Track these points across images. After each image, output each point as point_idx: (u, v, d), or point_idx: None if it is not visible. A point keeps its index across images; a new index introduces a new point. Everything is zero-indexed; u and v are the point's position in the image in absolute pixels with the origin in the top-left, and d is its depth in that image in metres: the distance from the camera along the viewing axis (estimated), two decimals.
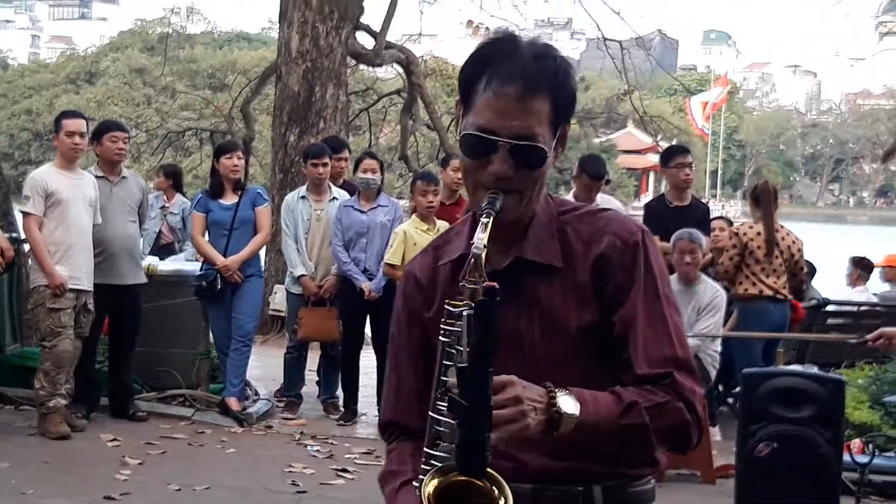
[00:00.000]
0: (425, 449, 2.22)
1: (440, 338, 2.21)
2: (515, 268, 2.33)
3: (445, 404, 2.18)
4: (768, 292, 9.24)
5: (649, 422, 2.34)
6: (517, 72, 2.26)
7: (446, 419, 2.18)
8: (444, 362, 2.20)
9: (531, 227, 2.34)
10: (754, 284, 9.21)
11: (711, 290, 8.32)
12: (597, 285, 2.34)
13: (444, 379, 2.19)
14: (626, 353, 2.36)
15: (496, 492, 2.17)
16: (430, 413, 2.22)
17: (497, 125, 2.25)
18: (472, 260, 2.16)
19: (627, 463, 2.43)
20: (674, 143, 25.58)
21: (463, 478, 2.15)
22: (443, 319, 2.20)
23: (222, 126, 21.74)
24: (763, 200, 9.44)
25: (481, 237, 2.17)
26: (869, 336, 4.91)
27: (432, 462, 2.20)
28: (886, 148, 25.45)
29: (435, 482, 2.17)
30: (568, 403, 2.21)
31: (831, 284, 14.34)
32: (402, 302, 2.48)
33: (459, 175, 9.62)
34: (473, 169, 2.29)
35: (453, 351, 2.19)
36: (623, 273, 2.35)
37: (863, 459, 7.19)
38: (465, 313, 2.15)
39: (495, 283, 2.10)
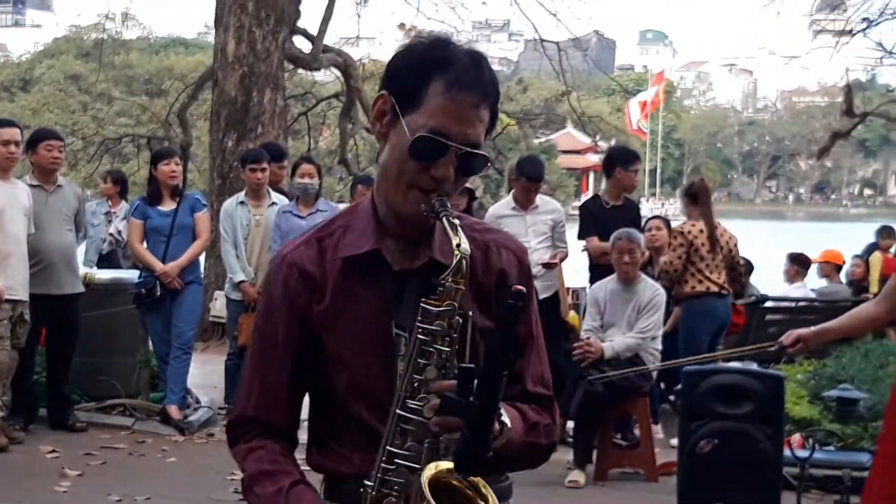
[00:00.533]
0: (388, 448, 2.19)
1: (418, 335, 2.19)
2: (426, 269, 2.30)
3: (418, 403, 2.17)
4: (714, 288, 9.33)
5: (543, 441, 2.41)
6: (477, 80, 2.25)
7: (418, 418, 2.16)
8: (420, 360, 2.18)
9: (435, 229, 2.32)
10: (700, 282, 9.29)
11: (651, 289, 8.35)
12: (497, 296, 2.34)
13: (418, 377, 2.18)
14: (517, 364, 2.39)
15: (480, 499, 2.19)
16: (398, 410, 2.19)
17: (453, 130, 2.22)
18: (459, 262, 2.17)
19: None
20: (612, 143, 25.76)
21: (456, 477, 2.15)
22: (419, 318, 2.18)
23: (159, 132, 21.59)
24: (701, 198, 9.53)
25: (463, 240, 2.17)
26: (785, 341, 4.92)
27: (396, 461, 2.19)
28: (822, 145, 25.69)
29: (431, 472, 2.15)
30: (506, 415, 2.23)
31: (770, 281, 14.49)
32: (283, 293, 2.34)
33: None
34: (414, 170, 2.24)
35: (432, 350, 2.19)
36: None
37: (803, 454, 7.25)
38: (457, 318, 2.17)
39: (523, 288, 2.10)
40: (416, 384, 2.18)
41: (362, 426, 2.31)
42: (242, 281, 9.14)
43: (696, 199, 9.53)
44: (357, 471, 2.28)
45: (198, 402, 9.58)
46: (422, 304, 2.19)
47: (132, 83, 42.12)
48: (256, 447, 2.35)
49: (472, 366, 2.09)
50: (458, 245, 2.17)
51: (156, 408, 9.33)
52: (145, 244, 9.13)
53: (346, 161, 18.38)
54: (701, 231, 9.31)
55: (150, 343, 9.60)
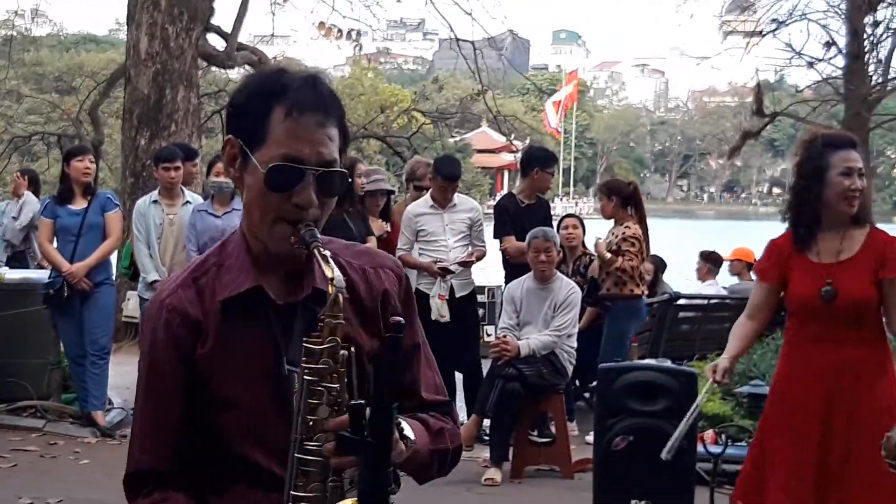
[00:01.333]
0: (292, 493, 2.11)
1: (305, 376, 2.12)
2: (311, 299, 2.24)
3: (315, 444, 2.11)
4: (645, 290, 9.57)
5: (450, 445, 2.41)
6: (316, 99, 2.20)
7: (317, 458, 2.11)
8: (311, 400, 2.12)
9: (312, 259, 2.23)
10: (637, 285, 9.42)
11: (567, 288, 8.40)
12: (383, 317, 2.33)
13: (312, 417, 2.12)
14: (407, 378, 2.39)
15: None
16: (296, 454, 2.12)
17: (304, 153, 2.16)
18: (335, 296, 2.11)
19: None
20: (527, 142, 25.84)
21: None
22: (304, 358, 2.12)
23: (70, 130, 21.30)
24: (637, 200, 9.59)
25: (337, 273, 2.11)
26: (718, 378, 5.09)
27: None
28: (732, 144, 26.00)
29: None
30: (408, 429, 2.22)
31: (682, 279, 14.65)
32: (165, 338, 2.23)
33: None
34: (276, 202, 2.18)
35: (321, 388, 2.12)
36: (402, 306, 2.38)
37: (716, 450, 7.33)
38: (342, 352, 2.11)
39: (401, 319, 2.08)
40: (310, 424, 2.12)
41: (256, 470, 2.24)
42: (155, 280, 9.01)
43: (630, 201, 9.55)
44: None
45: (111, 402, 9.45)
46: (304, 345, 2.13)
47: (42, 80, 41.47)
48: (160, 500, 2.24)
49: (362, 402, 2.04)
50: (332, 279, 2.10)
51: (68, 409, 9.23)
52: (55, 243, 8.96)
53: None
54: (642, 234, 9.40)
55: (61, 343, 9.44)
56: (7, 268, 10.34)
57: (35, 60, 45.46)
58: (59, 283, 8.82)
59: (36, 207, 11.51)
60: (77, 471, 7.87)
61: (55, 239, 8.95)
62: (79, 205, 8.95)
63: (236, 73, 22.35)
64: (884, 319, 4.77)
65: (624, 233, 9.30)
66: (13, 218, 12.01)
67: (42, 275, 9.53)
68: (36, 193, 12.35)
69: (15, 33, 31.65)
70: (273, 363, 2.23)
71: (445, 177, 9.11)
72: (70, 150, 9.76)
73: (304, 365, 2.12)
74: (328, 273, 2.12)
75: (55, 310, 9.03)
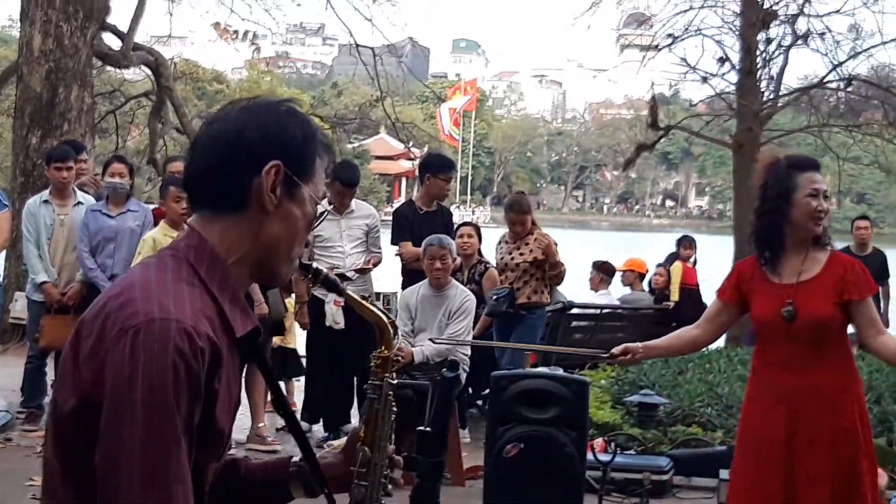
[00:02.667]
0: None
1: (393, 409, 2.34)
2: (254, 333, 2.20)
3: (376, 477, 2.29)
4: None
5: None
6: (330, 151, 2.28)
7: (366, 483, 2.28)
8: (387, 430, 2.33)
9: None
10: (545, 293, 9.65)
11: (462, 295, 8.44)
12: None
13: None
14: None
15: None
16: (360, 481, 2.27)
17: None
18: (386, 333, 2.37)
19: None
20: (426, 149, 25.87)
21: None
22: (373, 395, 2.35)
23: None
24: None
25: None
26: (615, 351, 5.08)
27: None
28: (627, 156, 26.30)
29: None
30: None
31: (575, 288, 14.78)
32: (199, 371, 1.94)
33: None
34: (304, 236, 2.21)
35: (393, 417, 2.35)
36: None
37: (605, 458, 7.42)
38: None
39: (456, 360, 2.23)
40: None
41: (203, 498, 2.10)
42: (45, 282, 8.88)
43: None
44: None
45: None
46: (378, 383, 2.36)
47: None
48: None
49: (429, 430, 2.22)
50: (388, 319, 2.44)
51: None
52: None
53: (156, 161, 18.03)
54: None
55: None
56: None
57: None
58: None
59: None
60: None
61: None
62: None
63: (131, 73, 22.11)
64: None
65: (547, 240, 9.70)
66: None
67: None
68: None
69: None
70: (236, 403, 2.17)
71: (344, 182, 9.09)
72: None
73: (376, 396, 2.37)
74: (374, 313, 2.41)
75: None
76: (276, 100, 2.21)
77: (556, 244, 9.95)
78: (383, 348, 2.34)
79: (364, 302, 2.40)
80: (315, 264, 2.38)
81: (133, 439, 1.87)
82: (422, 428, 2.27)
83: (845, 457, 4.68)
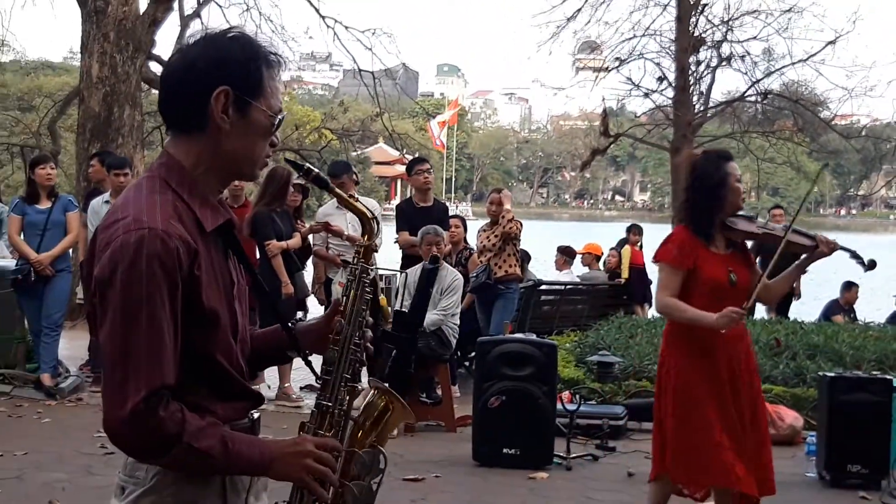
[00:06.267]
0: (343, 374, 2.22)
1: (365, 291, 2.27)
2: (227, 224, 2.19)
3: (358, 341, 2.26)
4: None
5: None
6: (278, 60, 2.18)
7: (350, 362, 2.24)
8: (364, 310, 2.27)
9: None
10: (519, 271, 9.98)
11: (452, 275, 8.45)
12: None
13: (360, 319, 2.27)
14: None
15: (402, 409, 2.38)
16: (333, 346, 2.24)
17: (279, 105, 2.18)
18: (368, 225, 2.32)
19: None
20: (416, 155, 25.82)
21: (389, 395, 2.35)
22: (351, 277, 2.28)
23: (31, 142, 20.74)
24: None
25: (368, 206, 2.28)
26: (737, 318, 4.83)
27: (324, 403, 2.22)
28: (583, 159, 26.31)
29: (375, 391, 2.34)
30: None
31: (543, 269, 14.81)
32: (173, 263, 1.96)
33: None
34: (264, 144, 2.15)
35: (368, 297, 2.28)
36: None
37: (571, 407, 7.45)
38: (400, 273, 2.34)
39: (437, 255, 2.17)
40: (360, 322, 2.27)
41: (223, 375, 2.11)
42: None
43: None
44: (222, 419, 2.08)
45: (68, 371, 9.28)
46: (363, 266, 2.28)
47: (6, 100, 40.19)
48: (179, 409, 1.97)
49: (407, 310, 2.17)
50: (368, 213, 2.33)
51: (31, 377, 9.03)
52: (22, 236, 8.83)
53: None
54: None
55: (26, 321, 9.27)
56: None
57: (0, 82, 44.14)
58: (26, 270, 8.70)
59: (4, 209, 11.23)
60: (39, 428, 7.70)
61: (23, 233, 8.83)
62: (44, 205, 8.88)
63: None
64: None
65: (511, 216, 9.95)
66: None
67: (10, 263, 9.34)
68: None
69: None
70: (230, 277, 2.15)
71: (333, 174, 9.08)
72: (35, 159, 9.66)
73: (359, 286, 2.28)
74: (360, 208, 2.32)
75: (21, 292, 8.86)
76: (224, 29, 2.17)
77: (520, 224, 10.03)
78: (366, 237, 2.30)
79: (350, 200, 2.35)
80: (308, 165, 2.34)
81: (115, 326, 1.95)
82: (399, 309, 2.22)
83: (756, 383, 4.84)
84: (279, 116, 2.17)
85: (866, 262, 4.52)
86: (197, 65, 2.09)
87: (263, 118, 2.13)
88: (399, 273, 8.86)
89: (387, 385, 2.41)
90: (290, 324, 2.38)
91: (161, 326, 1.96)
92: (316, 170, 2.33)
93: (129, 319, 1.94)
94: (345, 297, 2.28)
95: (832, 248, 4.59)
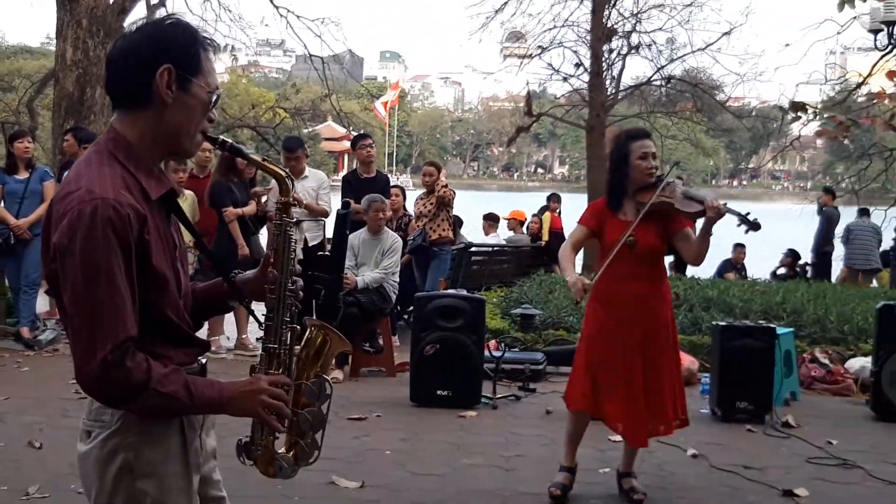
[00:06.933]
0: (283, 318, 2.25)
1: (290, 243, 2.26)
2: (169, 193, 2.18)
3: (292, 287, 2.26)
4: None
5: None
6: (213, 43, 2.19)
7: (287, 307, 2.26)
8: (292, 258, 2.28)
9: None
10: (451, 234, 10.29)
11: (391, 238, 8.44)
12: None
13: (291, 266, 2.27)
14: None
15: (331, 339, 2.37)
16: (270, 294, 2.26)
17: (215, 83, 2.17)
18: (285, 187, 2.28)
19: None
20: (361, 132, 25.65)
21: (324, 329, 2.36)
22: (276, 231, 2.27)
23: (11, 119, 20.23)
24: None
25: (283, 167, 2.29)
26: (576, 295, 4.84)
27: (269, 346, 2.24)
28: (509, 136, 26.32)
29: (312, 328, 2.35)
30: None
31: (473, 233, 14.84)
32: (127, 229, 1.96)
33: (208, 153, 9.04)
34: (202, 118, 2.13)
35: (294, 247, 2.28)
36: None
37: (497, 354, 7.50)
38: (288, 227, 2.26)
39: (350, 199, 2.13)
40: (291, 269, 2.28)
41: (173, 327, 2.10)
42: None
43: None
44: (180, 363, 2.10)
45: (45, 325, 9.11)
46: (280, 219, 2.26)
47: None
48: (145, 359, 1.97)
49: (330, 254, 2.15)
50: (287, 176, 2.31)
51: (11, 330, 8.87)
52: (2, 204, 8.64)
53: None
54: None
55: (6, 280, 9.10)
56: None
57: None
58: (6, 234, 8.55)
59: None
60: (19, 377, 7.56)
61: (3, 201, 8.66)
62: (22, 175, 8.71)
63: None
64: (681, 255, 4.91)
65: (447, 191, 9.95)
66: None
67: None
68: None
69: None
70: (173, 240, 2.15)
71: (286, 148, 9.02)
72: (13, 134, 9.50)
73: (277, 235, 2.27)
74: (275, 169, 2.30)
75: (1, 254, 8.68)
76: (164, 16, 2.17)
77: (453, 192, 10.09)
78: (283, 196, 2.28)
79: (265, 163, 2.35)
80: (221, 137, 2.29)
81: (77, 288, 1.93)
82: (322, 252, 2.20)
83: (665, 341, 4.86)
84: (216, 93, 2.16)
85: (751, 222, 4.55)
86: (142, 46, 2.08)
87: (203, 93, 2.12)
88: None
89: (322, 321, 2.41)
90: (231, 276, 2.37)
91: (119, 285, 1.94)
92: (230, 141, 2.31)
93: (90, 282, 1.92)
94: (273, 250, 2.28)
95: (719, 211, 4.53)
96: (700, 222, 4.69)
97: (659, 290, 4.88)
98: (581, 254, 5.37)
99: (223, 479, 2.34)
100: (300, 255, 8.69)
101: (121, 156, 2.07)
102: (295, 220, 2.31)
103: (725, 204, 4.60)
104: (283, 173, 2.32)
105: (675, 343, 4.95)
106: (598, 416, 4.93)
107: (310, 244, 8.81)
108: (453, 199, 10.03)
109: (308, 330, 2.36)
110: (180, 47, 2.09)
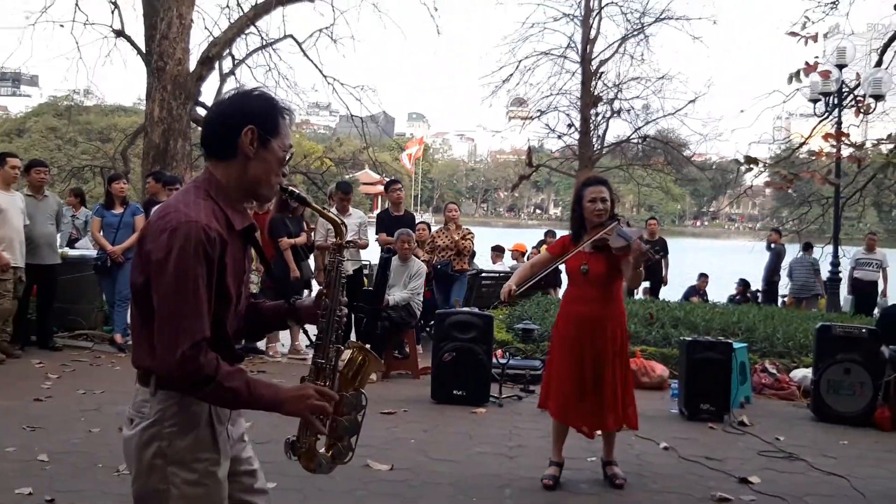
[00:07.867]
0: (316, 344, 2.22)
1: (341, 278, 2.25)
2: (250, 228, 2.18)
3: (331, 317, 2.21)
4: None
5: None
6: (292, 114, 2.19)
7: (334, 330, 2.22)
8: (341, 290, 2.26)
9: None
10: (467, 265, 10.21)
11: (418, 265, 8.45)
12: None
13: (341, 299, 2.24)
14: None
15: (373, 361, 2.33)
16: (321, 319, 2.23)
17: (288, 145, 2.18)
18: (340, 231, 2.29)
19: None
20: (392, 178, 25.82)
21: (364, 351, 2.31)
22: (330, 268, 2.26)
23: (108, 164, 20.46)
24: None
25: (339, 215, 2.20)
26: (502, 294, 5.03)
27: (318, 361, 2.21)
28: (513, 183, 26.40)
29: (354, 350, 2.30)
30: None
31: (483, 261, 14.83)
32: (211, 250, 1.98)
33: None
34: (278, 171, 2.14)
35: (343, 282, 2.27)
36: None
37: (503, 361, 7.47)
38: (369, 263, 2.29)
39: (390, 243, 2.12)
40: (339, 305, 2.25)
41: (224, 339, 2.08)
42: None
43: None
44: None
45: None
46: (338, 257, 2.26)
47: (91, 133, 39.43)
48: (215, 357, 1.98)
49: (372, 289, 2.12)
50: (342, 222, 2.31)
51: (107, 336, 8.92)
52: (101, 233, 8.70)
53: None
54: None
55: (104, 295, 9.16)
56: (69, 249, 9.94)
57: (86, 120, 43.27)
58: (104, 258, 8.60)
59: (89, 213, 11.03)
60: (113, 373, 7.60)
61: (102, 231, 8.71)
62: (118, 210, 8.77)
63: None
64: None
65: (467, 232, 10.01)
66: (73, 217, 11.38)
67: (92, 252, 9.23)
68: (83, 203, 11.67)
69: (73, 102, 30.35)
70: (244, 266, 2.15)
71: (342, 190, 9.08)
72: (111, 176, 9.60)
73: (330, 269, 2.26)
74: (332, 217, 2.30)
75: (100, 274, 8.74)
76: (251, 88, 2.19)
77: (471, 234, 10.11)
78: (338, 238, 2.28)
79: (324, 210, 2.34)
80: (290, 187, 2.27)
81: (168, 291, 1.93)
82: (366, 288, 2.18)
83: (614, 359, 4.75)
84: (289, 151, 2.18)
85: (654, 257, 4.60)
86: (232, 111, 2.11)
87: (278, 150, 2.14)
88: (368, 262, 8.92)
89: (362, 343, 2.40)
90: (291, 301, 2.38)
91: (200, 293, 1.96)
92: (297, 191, 2.32)
93: (178, 287, 1.93)
94: (326, 283, 2.28)
95: (640, 249, 4.41)
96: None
97: (612, 310, 4.74)
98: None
99: (275, 461, 2.32)
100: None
101: (212, 192, 2.10)
102: (346, 258, 2.32)
103: (650, 248, 4.53)
104: (338, 220, 2.32)
105: (624, 356, 4.80)
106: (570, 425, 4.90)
107: (350, 271, 8.86)
108: (473, 244, 10.26)
109: (351, 351, 2.33)
110: (262, 112, 2.11)
